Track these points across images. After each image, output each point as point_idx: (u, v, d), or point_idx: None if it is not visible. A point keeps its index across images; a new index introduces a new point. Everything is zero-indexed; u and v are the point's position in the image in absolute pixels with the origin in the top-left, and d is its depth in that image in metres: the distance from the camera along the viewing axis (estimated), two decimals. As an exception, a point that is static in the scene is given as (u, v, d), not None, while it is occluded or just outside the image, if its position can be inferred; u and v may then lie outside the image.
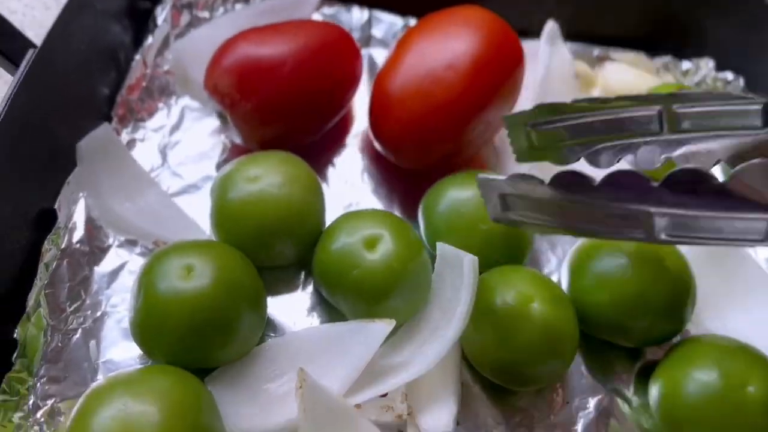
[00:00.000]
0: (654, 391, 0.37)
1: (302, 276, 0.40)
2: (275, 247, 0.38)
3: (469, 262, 0.35)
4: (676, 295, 0.37)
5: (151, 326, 0.33)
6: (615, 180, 0.29)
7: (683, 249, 0.39)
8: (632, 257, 0.37)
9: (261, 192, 0.37)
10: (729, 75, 0.53)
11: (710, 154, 0.30)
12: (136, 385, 0.31)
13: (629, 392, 0.39)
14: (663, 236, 0.29)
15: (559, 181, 0.31)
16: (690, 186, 0.27)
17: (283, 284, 0.40)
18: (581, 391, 0.39)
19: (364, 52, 0.51)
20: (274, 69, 0.39)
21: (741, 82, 0.53)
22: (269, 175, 0.38)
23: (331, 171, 0.45)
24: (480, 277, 0.36)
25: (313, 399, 0.33)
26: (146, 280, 0.34)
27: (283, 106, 0.40)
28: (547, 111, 0.36)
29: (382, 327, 0.36)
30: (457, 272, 0.36)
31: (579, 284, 0.39)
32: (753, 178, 0.26)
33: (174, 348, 0.33)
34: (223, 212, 0.38)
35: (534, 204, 0.33)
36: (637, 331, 0.38)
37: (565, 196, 0.31)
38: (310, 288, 0.40)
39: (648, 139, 0.34)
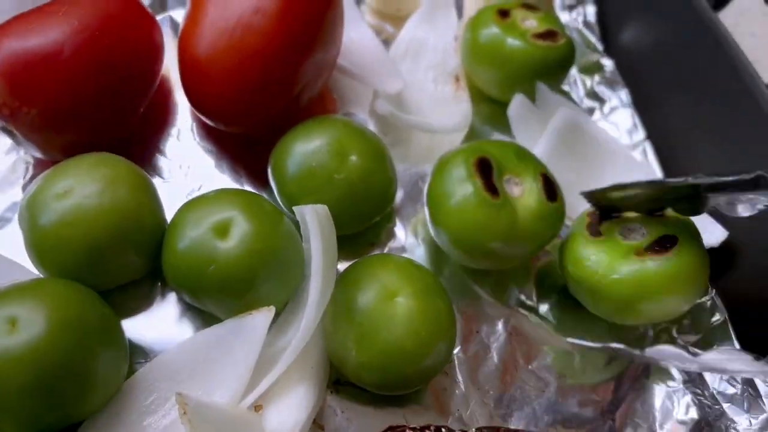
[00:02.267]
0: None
1: (159, 286, 0.35)
2: (113, 264, 0.32)
3: (309, 212, 0.31)
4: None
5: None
6: None
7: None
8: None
9: (77, 207, 0.31)
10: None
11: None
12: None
13: (532, 302, 0.38)
14: None
15: None
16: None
17: (139, 301, 0.35)
18: (486, 318, 0.37)
19: (161, 16, 0.45)
20: (50, 60, 0.32)
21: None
22: (83, 185, 0.32)
23: (161, 160, 0.39)
24: (345, 270, 0.33)
25: (202, 420, 0.29)
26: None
27: (74, 102, 0.33)
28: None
29: (262, 317, 0.32)
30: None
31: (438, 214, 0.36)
32: None
33: (20, 415, 0.28)
34: (38, 242, 0.32)
35: None
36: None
37: None
38: (172, 297, 0.35)
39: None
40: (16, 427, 0.28)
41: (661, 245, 0.33)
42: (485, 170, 0.34)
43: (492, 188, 0.33)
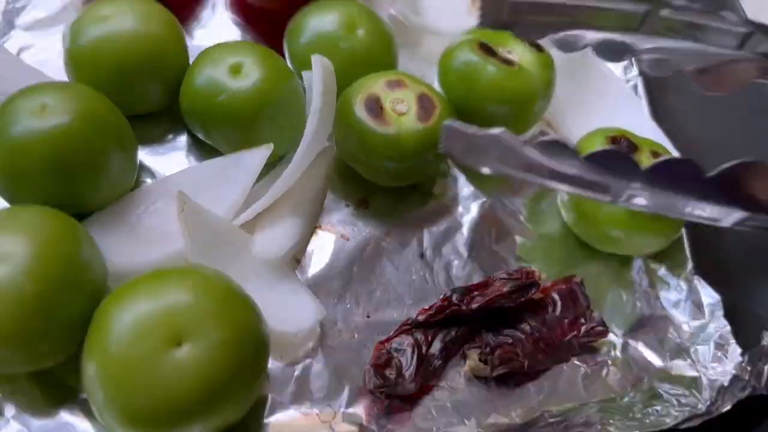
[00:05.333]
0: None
1: (173, 124, 0.39)
2: (138, 87, 0.37)
3: (316, 59, 0.35)
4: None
5: (11, 171, 0.32)
6: (597, 156, 0.27)
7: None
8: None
9: (114, 31, 0.36)
10: None
11: (678, 60, 0.29)
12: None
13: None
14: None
15: (543, 146, 0.28)
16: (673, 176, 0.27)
17: (154, 133, 0.39)
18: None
19: None
20: None
21: None
22: (121, 14, 0.36)
23: (195, 25, 0.44)
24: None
25: (196, 221, 0.33)
26: (-1, 125, 0.32)
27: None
28: None
29: (260, 152, 0.36)
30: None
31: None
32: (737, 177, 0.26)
33: (40, 191, 0.32)
34: (76, 58, 0.36)
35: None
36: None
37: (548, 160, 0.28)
38: (183, 136, 0.39)
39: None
40: (32, 201, 0.32)
41: None
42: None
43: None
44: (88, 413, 0.30)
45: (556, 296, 0.36)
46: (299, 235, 0.36)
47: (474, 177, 0.41)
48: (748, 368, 0.34)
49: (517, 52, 0.39)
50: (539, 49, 0.39)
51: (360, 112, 0.36)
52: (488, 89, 0.38)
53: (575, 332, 0.35)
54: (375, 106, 0.36)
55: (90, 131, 0.32)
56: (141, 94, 0.37)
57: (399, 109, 0.36)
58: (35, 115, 0.31)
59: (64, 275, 0.29)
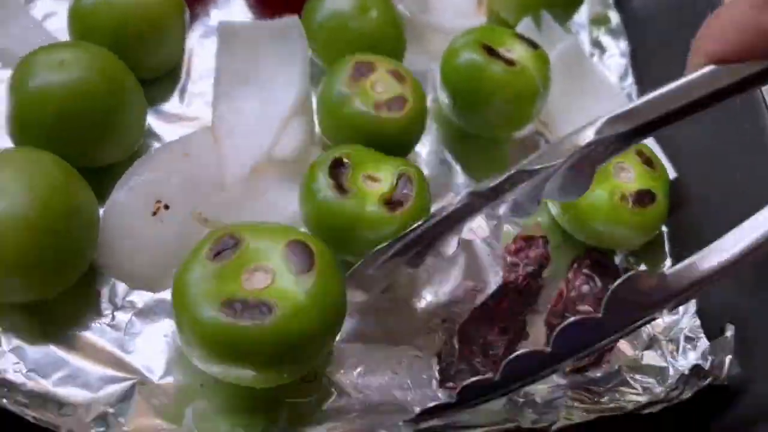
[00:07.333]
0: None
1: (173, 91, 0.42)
2: (135, 53, 0.38)
3: None
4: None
5: (26, 121, 0.34)
6: None
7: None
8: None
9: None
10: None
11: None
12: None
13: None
14: None
15: None
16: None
17: (160, 97, 0.41)
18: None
19: None
20: None
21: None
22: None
23: (212, 6, 0.46)
24: None
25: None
26: (18, 78, 0.34)
27: None
28: None
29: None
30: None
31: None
32: None
33: (51, 141, 0.33)
34: (76, 16, 0.38)
35: None
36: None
37: None
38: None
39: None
40: (50, 149, 0.33)
41: (642, 201, 0.38)
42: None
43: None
44: (82, 348, 0.32)
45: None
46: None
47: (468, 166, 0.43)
48: (710, 358, 0.35)
49: (516, 50, 0.41)
50: (535, 46, 0.41)
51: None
52: (493, 88, 0.39)
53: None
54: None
55: (105, 87, 0.34)
56: (139, 60, 0.38)
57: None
58: (53, 69, 0.33)
59: (61, 207, 0.31)
